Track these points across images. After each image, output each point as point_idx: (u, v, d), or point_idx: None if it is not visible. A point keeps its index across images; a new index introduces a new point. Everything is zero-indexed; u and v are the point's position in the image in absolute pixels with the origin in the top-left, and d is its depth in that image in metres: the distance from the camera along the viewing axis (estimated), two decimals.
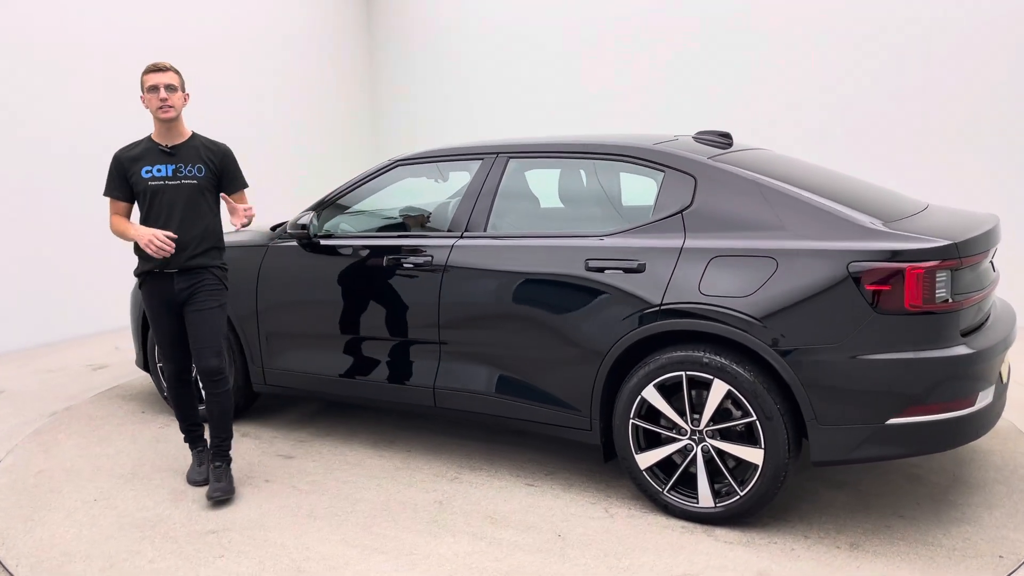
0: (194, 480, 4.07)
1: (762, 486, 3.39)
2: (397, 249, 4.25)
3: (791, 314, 3.29)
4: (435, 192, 4.86)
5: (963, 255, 3.25)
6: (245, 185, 4.01)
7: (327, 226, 4.56)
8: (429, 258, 4.12)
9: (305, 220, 4.43)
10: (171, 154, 3.82)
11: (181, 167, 3.81)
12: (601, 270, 3.67)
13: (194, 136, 3.92)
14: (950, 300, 3.22)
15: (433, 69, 9.93)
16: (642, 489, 3.68)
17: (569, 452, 4.33)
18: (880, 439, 3.26)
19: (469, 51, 9.58)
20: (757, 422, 3.37)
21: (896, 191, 4.15)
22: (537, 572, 3.18)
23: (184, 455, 4.39)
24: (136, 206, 3.88)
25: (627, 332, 3.61)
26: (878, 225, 3.32)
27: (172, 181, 3.79)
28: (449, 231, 4.17)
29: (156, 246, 3.63)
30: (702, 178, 3.65)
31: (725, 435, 3.48)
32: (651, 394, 3.57)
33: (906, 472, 3.99)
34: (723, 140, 4.08)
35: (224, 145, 3.99)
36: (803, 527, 3.50)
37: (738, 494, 3.45)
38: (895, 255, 3.19)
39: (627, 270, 3.62)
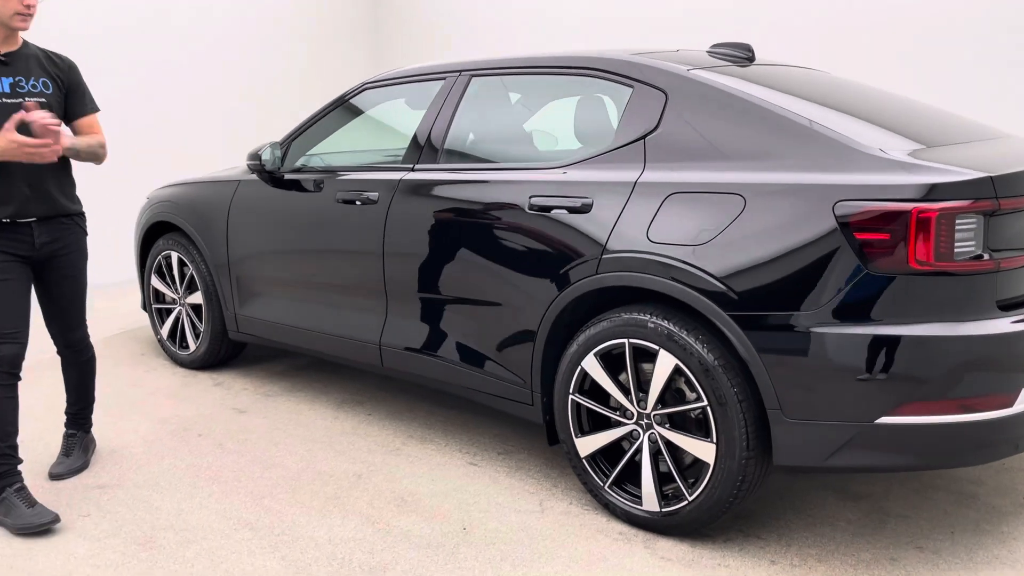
0: (58, 473, 3.31)
1: (713, 491, 2.61)
2: (349, 185, 3.71)
3: (755, 269, 2.48)
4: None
5: (1004, 194, 2.31)
6: (96, 109, 3.19)
7: (300, 162, 4.08)
8: (376, 195, 3.55)
9: (261, 151, 3.97)
10: (6, 63, 2.96)
11: (22, 81, 2.96)
12: (546, 209, 2.97)
13: (28, 44, 3.07)
14: (984, 257, 2.30)
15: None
16: (583, 481, 2.98)
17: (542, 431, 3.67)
18: (868, 443, 2.40)
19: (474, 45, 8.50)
20: (708, 408, 2.59)
21: (979, 122, 3.15)
22: (407, 572, 2.59)
23: (110, 404, 4.09)
24: None
25: (565, 287, 2.90)
26: (892, 153, 2.43)
27: (11, 99, 2.92)
28: (402, 163, 3.57)
29: (31, 149, 2.75)
30: (675, 94, 2.85)
31: (676, 422, 2.73)
32: (591, 365, 2.85)
33: (958, 488, 3.04)
34: (741, 54, 3.23)
35: (69, 58, 3.17)
36: (776, 549, 2.69)
37: (685, 498, 2.69)
38: (897, 191, 2.31)
39: (571, 210, 2.90)
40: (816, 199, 2.41)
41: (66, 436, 3.45)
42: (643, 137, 2.85)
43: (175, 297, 4.70)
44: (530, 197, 3.01)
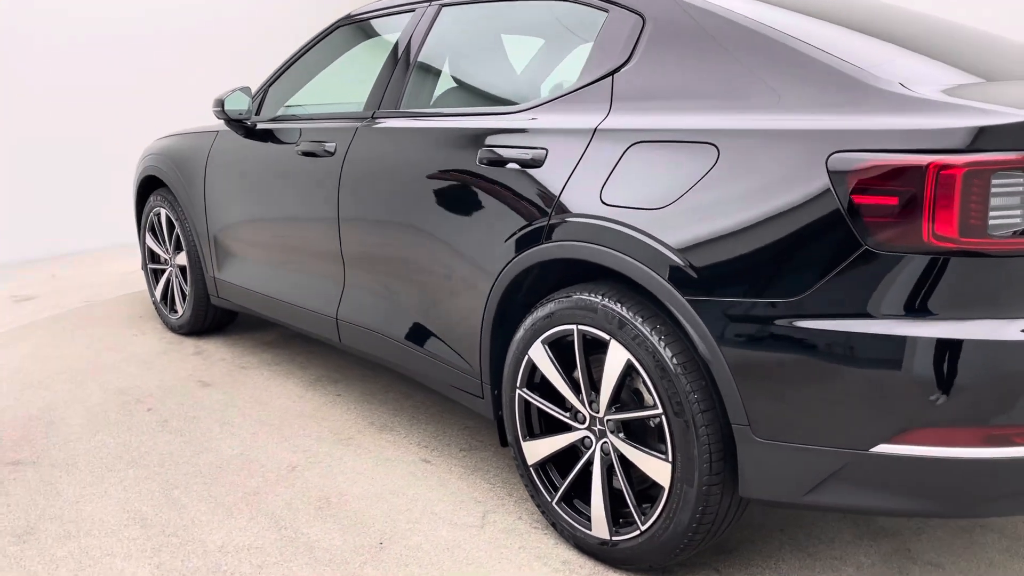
0: None
1: (668, 522, 2.06)
2: (311, 135, 3.26)
3: (721, 242, 1.89)
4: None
5: None
6: None
7: (280, 111, 3.65)
8: (333, 146, 3.09)
9: (225, 97, 3.55)
10: None
11: None
12: (498, 163, 2.44)
13: None
14: None
15: None
16: (530, 494, 2.46)
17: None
18: (861, 477, 1.80)
19: None
20: (664, 418, 2.03)
21: None
22: None
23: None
24: None
25: (512, 259, 2.37)
26: (918, 88, 1.79)
27: None
28: (365, 109, 3.09)
29: None
30: (652, 18, 2.26)
31: (634, 432, 2.18)
32: (539, 355, 2.32)
33: (1014, 531, 2.38)
34: None
35: None
36: None
37: (638, 527, 2.15)
38: (910, 138, 1.68)
39: (523, 163, 2.36)
40: (805, 149, 1.80)
41: None
42: (611, 73, 2.27)
43: (166, 257, 4.39)
44: (480, 148, 2.48)
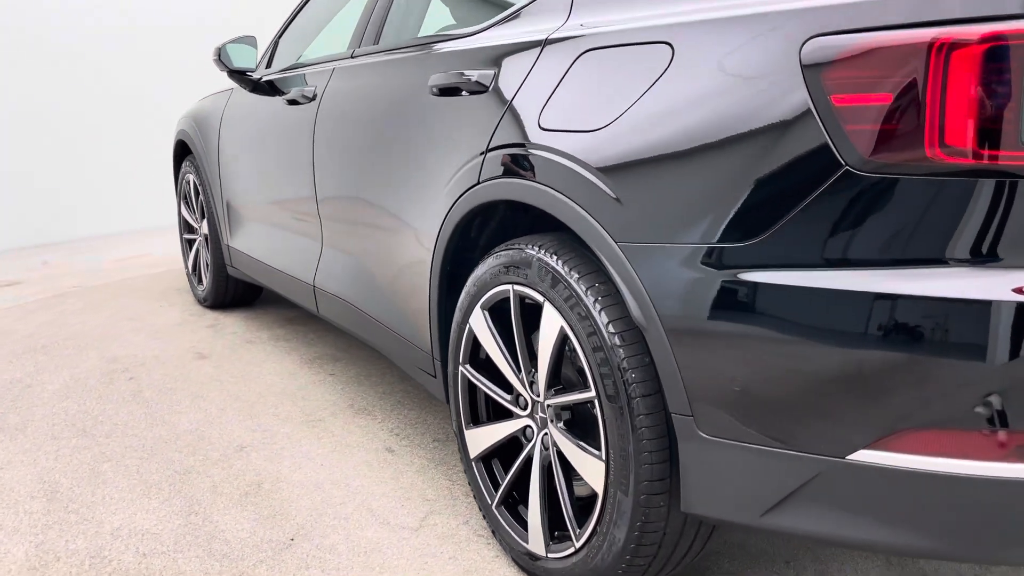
0: None
1: (604, 538, 1.59)
2: (296, 82, 2.94)
3: (662, 167, 1.42)
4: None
5: None
6: None
7: (290, 62, 3.35)
8: (312, 90, 2.75)
9: (225, 45, 3.27)
10: None
11: None
12: (450, 91, 2.02)
13: None
14: None
15: None
16: (473, 493, 2.03)
17: None
18: (835, 495, 1.28)
19: None
20: (597, 403, 1.56)
21: None
22: None
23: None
24: None
25: (450, 207, 1.95)
26: None
27: None
28: (346, 49, 2.73)
29: None
30: None
31: (577, 421, 1.72)
32: (479, 324, 1.89)
33: None
34: None
35: None
36: None
37: (573, 545, 1.68)
38: (905, 8, 1.16)
39: (470, 89, 1.94)
40: (773, 36, 1.29)
41: None
42: None
43: (196, 226, 4.20)
44: (432, 74, 2.08)
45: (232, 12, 7.22)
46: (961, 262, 1.15)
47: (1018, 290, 1.10)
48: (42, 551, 1.98)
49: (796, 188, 1.25)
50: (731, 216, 1.31)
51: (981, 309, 1.12)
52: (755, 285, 1.28)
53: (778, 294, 1.27)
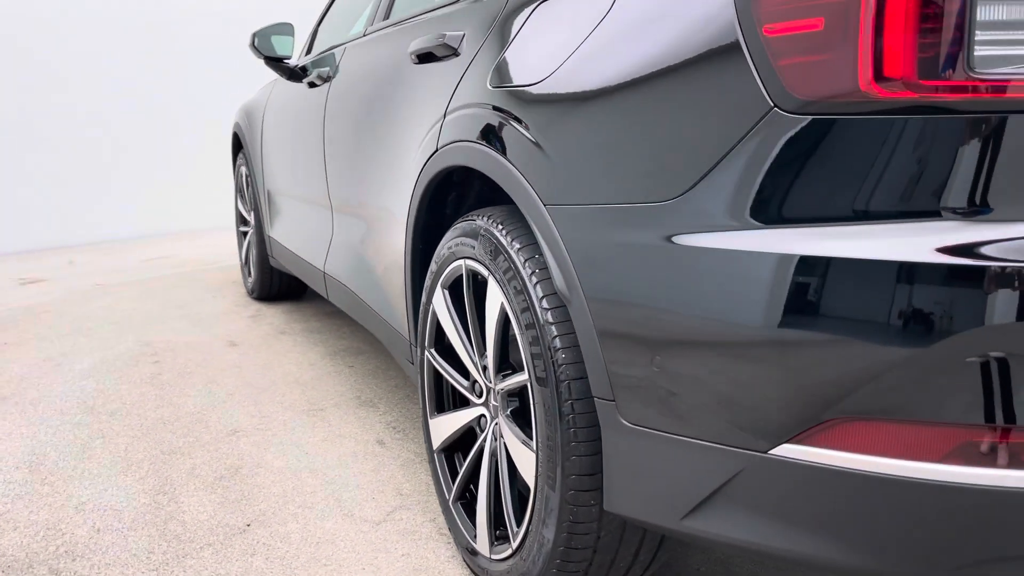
0: None
1: (534, 541, 1.42)
2: (317, 65, 2.88)
3: (585, 116, 1.26)
4: None
5: None
6: None
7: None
8: (326, 71, 2.69)
9: (262, 30, 3.25)
10: None
11: None
12: (428, 57, 1.91)
13: None
14: None
15: None
16: (436, 488, 1.89)
17: None
18: (760, 497, 1.08)
19: None
20: (528, 388, 1.41)
21: None
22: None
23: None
24: None
25: (418, 174, 1.83)
26: None
27: None
28: (364, 28, 2.66)
29: None
30: None
31: (522, 408, 1.56)
32: (439, 304, 1.77)
33: None
34: None
35: None
36: None
37: (510, 544, 1.52)
38: None
39: (443, 55, 1.82)
40: None
41: None
42: None
43: (248, 218, 4.23)
44: (412, 41, 1.97)
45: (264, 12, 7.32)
46: (899, 217, 0.95)
47: (944, 250, 0.89)
48: (3, 520, 1.96)
49: (717, 137, 1.07)
50: (651, 171, 1.14)
51: (918, 274, 0.92)
52: (673, 248, 1.11)
53: (698, 258, 1.09)
